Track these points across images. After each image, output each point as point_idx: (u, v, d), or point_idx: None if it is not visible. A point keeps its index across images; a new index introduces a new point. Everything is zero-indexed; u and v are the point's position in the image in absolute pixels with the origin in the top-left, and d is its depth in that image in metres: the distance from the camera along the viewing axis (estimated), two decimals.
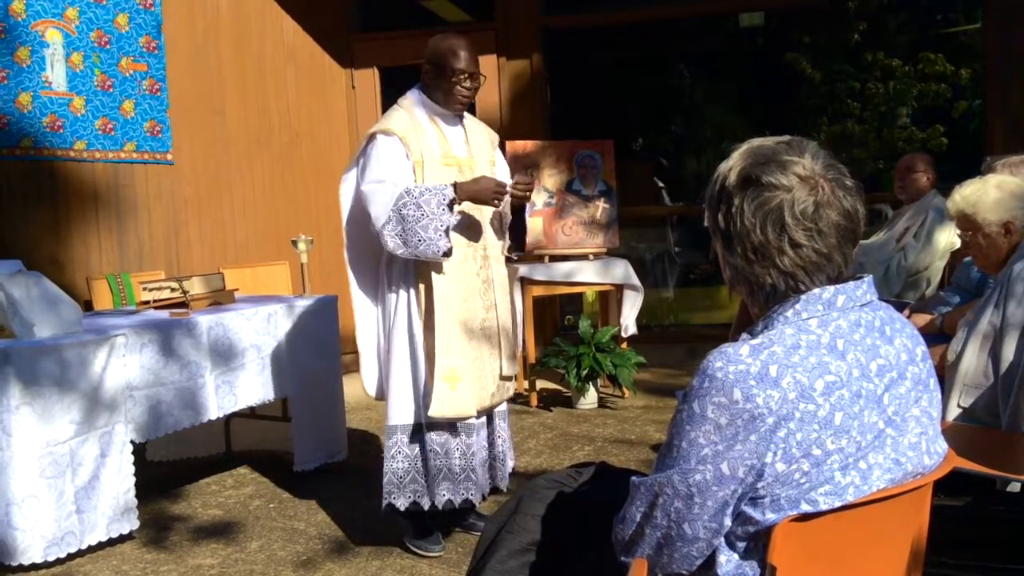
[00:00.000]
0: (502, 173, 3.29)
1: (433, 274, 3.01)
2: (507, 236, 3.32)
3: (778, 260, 1.32)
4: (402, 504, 3.05)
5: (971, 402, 2.71)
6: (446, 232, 2.89)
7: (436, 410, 2.98)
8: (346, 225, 3.20)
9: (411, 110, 3.09)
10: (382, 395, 3.22)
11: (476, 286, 3.11)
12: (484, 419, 3.19)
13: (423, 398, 3.04)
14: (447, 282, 3.02)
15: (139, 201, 5.14)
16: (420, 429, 3.07)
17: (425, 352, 3.03)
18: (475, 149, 3.19)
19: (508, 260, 3.33)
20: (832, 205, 1.31)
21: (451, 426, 3.05)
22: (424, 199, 2.87)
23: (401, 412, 3.07)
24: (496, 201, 3.00)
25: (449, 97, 3.08)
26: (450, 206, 2.90)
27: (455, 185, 2.94)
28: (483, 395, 3.10)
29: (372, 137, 3.03)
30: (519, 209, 3.27)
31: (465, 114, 3.22)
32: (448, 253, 2.92)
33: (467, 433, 3.08)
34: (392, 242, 2.91)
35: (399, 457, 3.06)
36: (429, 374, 3.01)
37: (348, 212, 3.18)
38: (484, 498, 3.22)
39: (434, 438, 3.04)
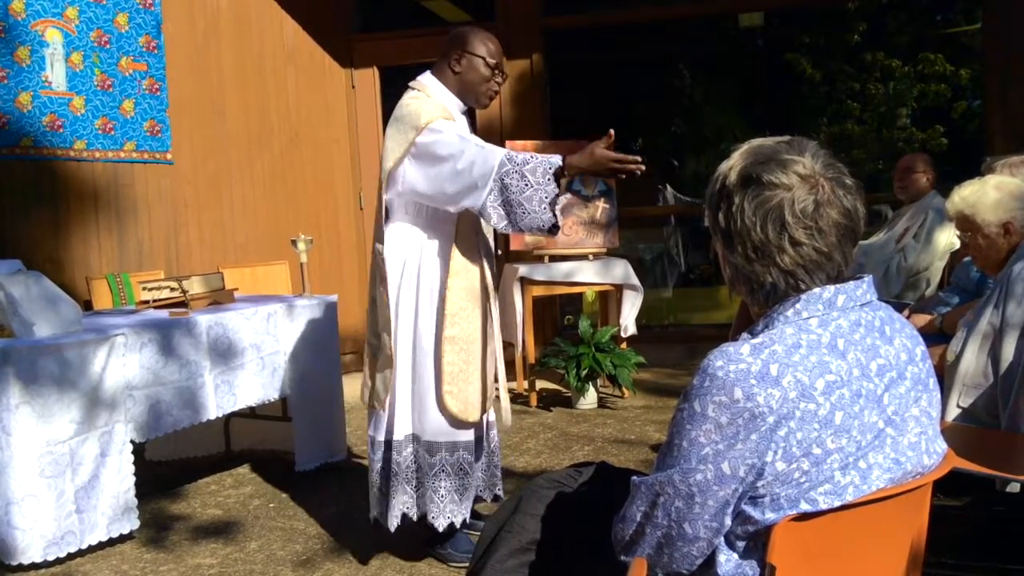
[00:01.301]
0: None
1: (459, 275, 2.88)
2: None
3: (778, 259, 1.32)
4: (444, 524, 2.92)
5: (971, 402, 2.71)
6: (551, 205, 2.64)
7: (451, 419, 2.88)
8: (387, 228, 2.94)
9: (438, 100, 2.89)
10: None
11: (481, 291, 3.00)
12: (482, 435, 3.08)
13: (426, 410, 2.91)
14: (467, 286, 2.91)
15: (139, 201, 5.14)
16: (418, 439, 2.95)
17: (435, 359, 2.88)
18: None
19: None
20: (832, 204, 1.31)
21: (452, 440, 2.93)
22: (528, 168, 2.64)
23: (439, 427, 2.92)
24: (618, 175, 2.70)
25: (480, 91, 2.94)
26: (556, 178, 2.65)
27: (563, 157, 2.69)
28: (486, 401, 3.01)
29: (429, 124, 2.78)
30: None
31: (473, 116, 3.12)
32: (555, 229, 2.69)
33: (467, 449, 2.96)
34: (496, 214, 2.68)
35: (443, 476, 2.91)
36: (438, 383, 2.88)
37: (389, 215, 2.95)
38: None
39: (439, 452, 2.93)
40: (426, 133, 2.77)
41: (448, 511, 2.91)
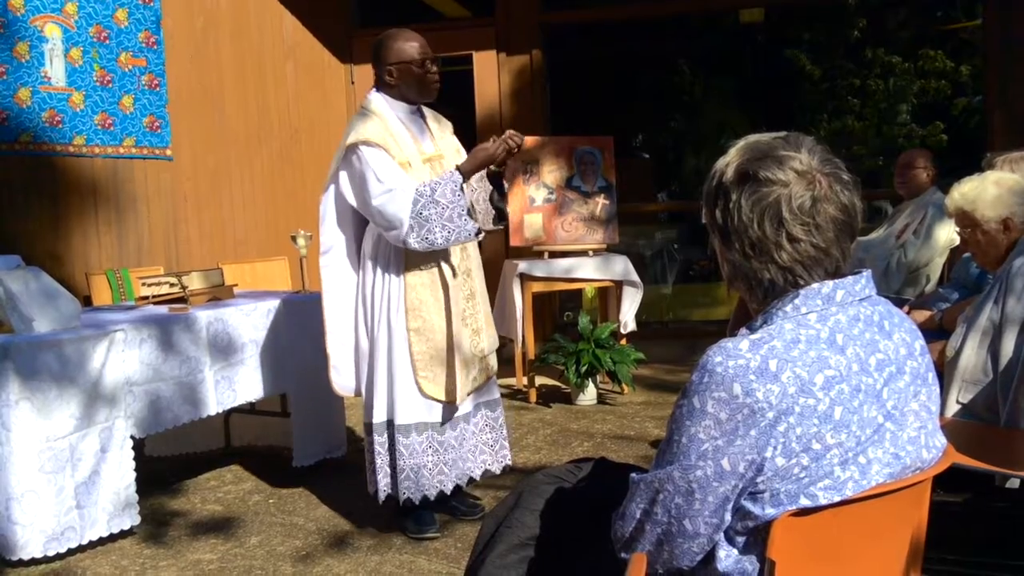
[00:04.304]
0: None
1: (414, 270, 3.10)
2: (494, 210, 3.31)
3: (776, 255, 1.32)
4: (417, 497, 3.14)
5: (970, 398, 2.71)
6: (469, 214, 2.97)
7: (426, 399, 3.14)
8: (325, 235, 3.21)
9: (382, 115, 3.10)
10: (360, 392, 3.32)
11: (458, 277, 3.20)
12: (468, 411, 3.27)
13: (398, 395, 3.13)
14: (429, 277, 3.11)
15: (138, 196, 5.14)
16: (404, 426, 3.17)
17: (409, 347, 3.11)
18: (440, 141, 3.26)
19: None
20: (829, 200, 1.31)
21: (428, 423, 3.16)
22: (439, 193, 2.92)
23: (409, 411, 3.13)
24: (504, 155, 3.03)
25: (424, 87, 3.14)
26: (462, 189, 2.97)
27: (458, 168, 3.01)
28: (467, 380, 3.21)
29: (354, 149, 3.01)
30: (498, 181, 3.28)
31: (423, 109, 3.26)
32: (479, 232, 3.02)
33: (438, 431, 3.18)
34: (421, 245, 2.96)
35: (415, 454, 3.15)
36: (412, 370, 3.11)
37: (328, 221, 3.19)
38: (463, 487, 3.32)
39: (414, 437, 3.14)
40: (350, 157, 3.02)
41: (421, 486, 3.13)
